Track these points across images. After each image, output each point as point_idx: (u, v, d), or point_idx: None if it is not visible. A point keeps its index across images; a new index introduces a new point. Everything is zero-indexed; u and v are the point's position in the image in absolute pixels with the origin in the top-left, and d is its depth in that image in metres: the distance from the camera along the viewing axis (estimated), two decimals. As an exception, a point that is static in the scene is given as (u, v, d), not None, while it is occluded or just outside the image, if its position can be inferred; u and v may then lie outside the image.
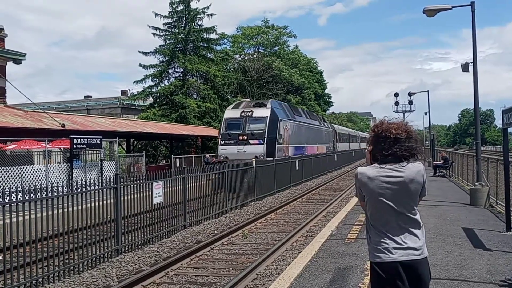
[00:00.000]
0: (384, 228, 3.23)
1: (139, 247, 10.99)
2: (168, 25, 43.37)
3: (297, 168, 26.90)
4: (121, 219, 10.47)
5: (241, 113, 26.54)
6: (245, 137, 25.31)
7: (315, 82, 66.22)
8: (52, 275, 8.35)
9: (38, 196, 8.38)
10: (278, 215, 16.42)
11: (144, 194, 11.53)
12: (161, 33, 43.27)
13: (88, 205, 9.63)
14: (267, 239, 12.10)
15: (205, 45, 44.11)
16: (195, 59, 42.02)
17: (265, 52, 57.13)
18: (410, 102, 45.37)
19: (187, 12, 42.76)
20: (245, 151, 24.67)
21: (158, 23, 49.40)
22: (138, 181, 11.63)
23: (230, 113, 27.42)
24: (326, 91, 74.79)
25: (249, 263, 9.29)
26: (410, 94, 41.83)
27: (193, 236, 12.47)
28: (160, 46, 43.57)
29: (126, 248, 10.57)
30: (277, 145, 25.63)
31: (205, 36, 43.82)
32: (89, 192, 9.71)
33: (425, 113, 44.81)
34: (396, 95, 44.24)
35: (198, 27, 43.46)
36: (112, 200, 10.34)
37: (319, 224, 13.84)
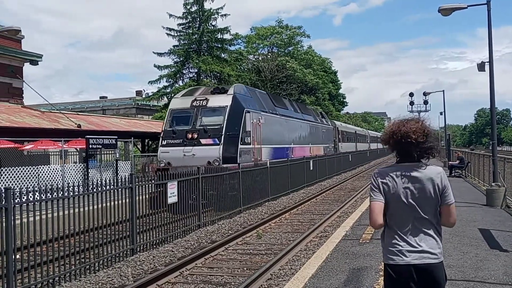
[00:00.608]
0: (400, 229, 3.21)
1: (154, 246, 11.05)
2: (182, 26, 43.50)
3: (311, 168, 26.81)
4: (136, 219, 10.55)
5: (193, 102, 19.43)
6: (195, 135, 18.31)
7: (329, 82, 65.96)
8: (68, 274, 8.44)
9: (55, 195, 8.48)
10: (292, 215, 16.40)
11: (160, 193, 11.58)
12: (175, 34, 43.42)
13: (104, 204, 9.72)
14: (281, 239, 12.10)
15: (219, 45, 44.16)
16: (209, 59, 42.09)
17: (279, 52, 57.04)
18: (425, 102, 45.05)
19: (201, 12, 42.85)
20: (194, 154, 17.91)
21: (172, 24, 49.70)
22: (153, 181, 11.69)
23: (178, 102, 20.26)
24: (341, 91, 74.50)
25: (263, 263, 9.29)
26: (425, 94, 41.55)
27: (208, 236, 12.51)
28: (174, 46, 43.73)
29: (141, 248, 10.64)
30: (240, 146, 18.72)
31: (219, 37, 43.86)
32: (104, 192, 9.80)
33: (441, 113, 44.28)
34: (411, 95, 44.02)
35: (212, 27, 43.52)
36: (127, 200, 10.42)
37: (333, 224, 13.80)
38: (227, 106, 18.89)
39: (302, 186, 24.65)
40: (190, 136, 18.37)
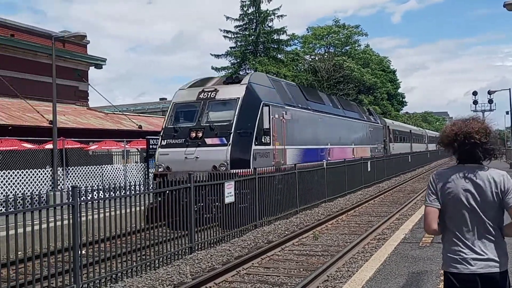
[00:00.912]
0: (462, 235, 3.06)
1: (212, 245, 11.24)
2: (239, 28, 44.04)
3: (369, 169, 26.35)
4: (194, 218, 10.76)
5: (200, 94, 16.14)
6: (200, 134, 15.16)
7: (388, 81, 64.60)
8: (130, 270, 8.74)
9: (117, 194, 8.81)
10: (349, 216, 16.20)
11: (216, 194, 11.74)
12: (232, 36, 44.03)
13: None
14: (338, 241, 11.98)
15: (275, 46, 44.35)
16: (266, 60, 42.33)
17: (336, 52, 56.49)
18: (490, 101, 43.30)
19: (257, 14, 43.21)
20: (197, 157, 14.80)
21: (229, 26, 50.35)
22: (210, 181, 11.86)
23: (183, 94, 16.88)
24: (400, 90, 72.74)
25: (320, 265, 9.24)
26: (490, 93, 39.93)
27: (264, 236, 12.57)
28: (231, 48, 44.34)
29: (199, 246, 10.84)
30: (255, 147, 15.23)
31: (275, 37, 44.07)
32: (164, 191, 10.05)
33: (507, 112, 42.28)
34: (475, 93, 42.43)
35: (269, 28, 43.79)
36: (185, 199, 10.63)
37: (392, 226, 13.51)
38: (238, 98, 15.53)
39: (359, 187, 24.28)
40: (193, 135, 15.23)
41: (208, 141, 14.95)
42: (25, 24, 24.49)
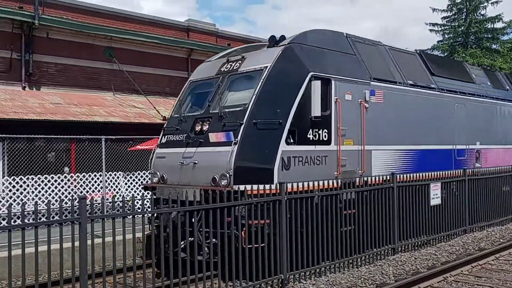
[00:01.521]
0: None
1: (416, 248, 10.90)
2: (446, 19, 41.55)
3: None
4: (397, 220, 10.54)
5: (222, 66, 10.57)
6: (206, 126, 9.63)
7: None
8: (333, 266, 9.04)
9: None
10: None
11: (419, 195, 11.28)
12: (439, 29, 41.73)
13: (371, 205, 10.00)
14: None
15: (489, 36, 40.61)
16: (478, 52, 39.01)
17: None
18: None
19: (467, 2, 40.16)
20: (195, 163, 9.39)
21: (435, 18, 47.82)
22: (414, 182, 11.48)
23: (203, 69, 11.56)
24: None
25: (542, 279, 8.24)
26: None
27: (475, 243, 11.69)
28: (438, 42, 42.09)
29: (402, 248, 10.62)
30: (287, 147, 9.13)
31: (489, 26, 40.35)
32: (372, 191, 10.03)
33: None
34: None
35: (481, 17, 40.33)
36: (389, 201, 10.43)
37: None
38: (266, 67, 9.50)
39: None
40: (198, 128, 9.80)
41: (212, 137, 9.44)
42: (239, 34, 26.95)
